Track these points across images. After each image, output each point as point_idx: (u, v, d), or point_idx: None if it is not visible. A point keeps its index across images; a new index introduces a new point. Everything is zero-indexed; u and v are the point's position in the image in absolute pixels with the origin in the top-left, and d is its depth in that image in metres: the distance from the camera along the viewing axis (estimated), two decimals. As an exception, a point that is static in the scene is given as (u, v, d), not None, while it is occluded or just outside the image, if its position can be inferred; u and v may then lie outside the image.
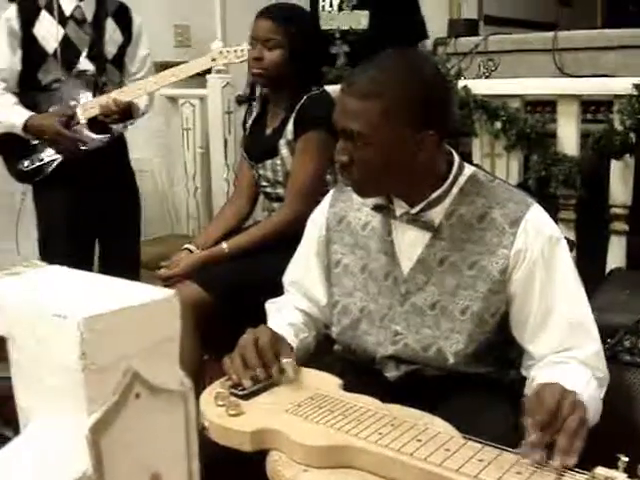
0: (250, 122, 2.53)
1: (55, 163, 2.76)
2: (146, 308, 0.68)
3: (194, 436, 0.77)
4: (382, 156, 1.46)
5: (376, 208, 1.60)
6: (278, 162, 2.37)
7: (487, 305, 1.50)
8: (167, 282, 2.33)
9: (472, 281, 1.50)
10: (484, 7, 5.04)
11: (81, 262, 2.86)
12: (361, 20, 3.41)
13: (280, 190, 2.41)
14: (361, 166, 1.48)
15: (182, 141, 3.84)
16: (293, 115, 2.33)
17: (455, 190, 1.53)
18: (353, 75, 1.50)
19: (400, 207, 1.56)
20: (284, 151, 2.35)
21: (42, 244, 2.89)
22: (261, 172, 2.44)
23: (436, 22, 4.04)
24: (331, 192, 1.75)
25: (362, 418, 1.30)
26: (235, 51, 2.58)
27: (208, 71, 3.27)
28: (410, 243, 1.57)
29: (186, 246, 2.44)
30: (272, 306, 1.81)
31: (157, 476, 0.72)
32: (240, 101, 3.65)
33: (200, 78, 3.23)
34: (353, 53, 3.36)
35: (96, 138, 2.76)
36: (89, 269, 2.94)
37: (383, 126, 1.43)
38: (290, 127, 2.33)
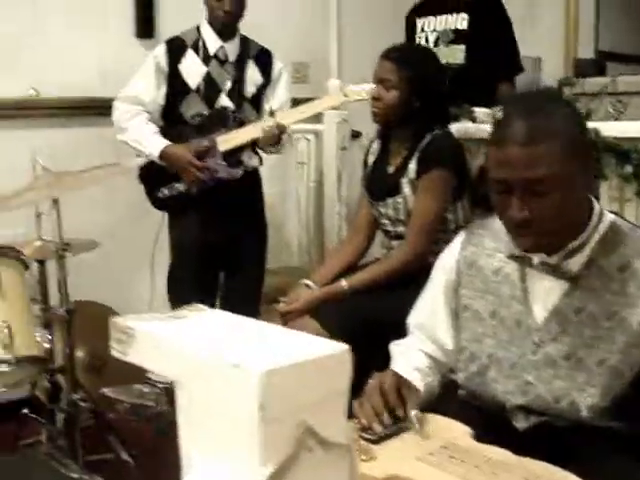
0: (371, 159, 2.55)
1: (188, 195, 2.88)
2: (320, 362, 0.69)
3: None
4: (566, 200, 1.40)
5: (512, 257, 1.56)
6: (400, 200, 2.38)
7: (625, 358, 1.45)
8: (285, 317, 2.36)
9: (610, 333, 1.45)
10: (600, 44, 4.90)
11: (206, 291, 2.98)
12: (458, 55, 3.41)
13: (400, 228, 2.41)
14: (545, 217, 1.41)
15: (296, 175, 3.90)
16: (417, 154, 2.33)
17: (595, 238, 1.48)
18: (508, 126, 1.42)
19: (537, 255, 1.52)
20: (406, 189, 2.35)
21: (171, 270, 3.01)
22: (382, 210, 2.45)
23: (551, 60, 3.98)
24: (461, 235, 1.73)
25: (497, 471, 1.27)
26: (368, 89, 2.64)
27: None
28: (546, 292, 1.53)
29: (304, 281, 2.46)
30: (397, 348, 1.79)
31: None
32: (355, 136, 3.72)
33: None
34: (450, 88, 3.36)
35: (230, 171, 2.88)
36: (212, 299, 3.03)
37: (567, 164, 1.38)
38: (413, 165, 2.33)
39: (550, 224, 1.42)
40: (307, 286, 2.43)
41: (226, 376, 0.70)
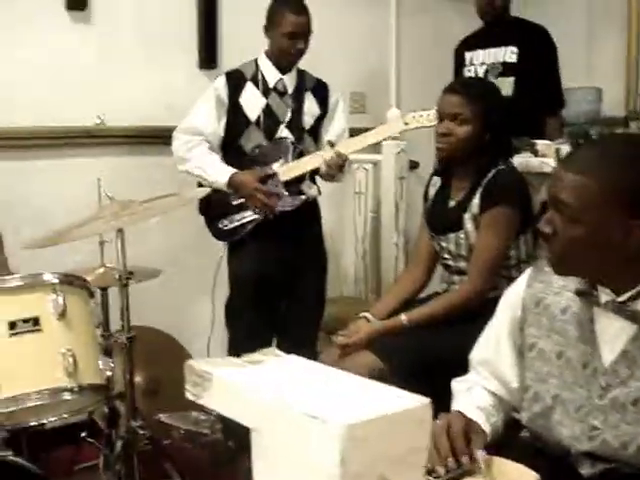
0: (432, 192, 2.54)
1: (251, 226, 2.92)
2: (402, 416, 0.68)
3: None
4: (587, 236, 1.42)
5: (579, 293, 1.54)
6: (462, 236, 2.36)
7: (697, 405, 1.41)
8: (344, 350, 2.35)
9: (681, 379, 1.41)
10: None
11: (264, 322, 3.00)
12: (506, 87, 3.43)
13: (462, 264, 2.39)
14: (564, 241, 1.45)
15: (354, 204, 3.91)
16: (480, 189, 2.31)
17: (666, 282, 1.45)
18: (577, 150, 1.52)
19: (605, 294, 1.50)
20: (469, 225, 2.33)
21: (229, 300, 3.04)
22: (443, 244, 2.43)
23: (612, 91, 3.92)
24: (528, 272, 1.71)
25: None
26: (428, 115, 2.65)
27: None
28: (614, 333, 1.49)
29: (363, 314, 2.45)
30: (459, 385, 1.77)
31: None
32: (413, 167, 3.73)
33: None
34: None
35: (292, 200, 2.92)
36: (271, 329, 3.05)
37: (595, 206, 1.40)
38: (476, 201, 2.31)
39: (569, 250, 1.45)
40: (366, 319, 2.42)
41: (304, 427, 0.70)
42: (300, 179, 2.96)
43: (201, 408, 3.40)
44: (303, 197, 2.96)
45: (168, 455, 2.55)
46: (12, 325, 1.89)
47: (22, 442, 2.29)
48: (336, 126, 3.09)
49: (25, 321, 1.90)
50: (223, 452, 3.11)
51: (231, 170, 2.88)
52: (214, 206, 2.93)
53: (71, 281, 2.01)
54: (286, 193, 2.92)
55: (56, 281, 1.95)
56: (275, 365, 0.85)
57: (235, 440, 3.15)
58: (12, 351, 1.90)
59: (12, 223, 2.87)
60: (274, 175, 2.90)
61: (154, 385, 3.12)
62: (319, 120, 3.06)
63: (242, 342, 3.02)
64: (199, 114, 2.97)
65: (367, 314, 2.44)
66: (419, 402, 0.71)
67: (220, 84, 2.97)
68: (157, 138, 3.37)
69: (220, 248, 3.09)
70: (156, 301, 3.15)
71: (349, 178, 3.96)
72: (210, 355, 3.19)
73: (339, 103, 3.13)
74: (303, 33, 2.92)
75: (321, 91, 3.08)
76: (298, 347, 2.96)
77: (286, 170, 2.92)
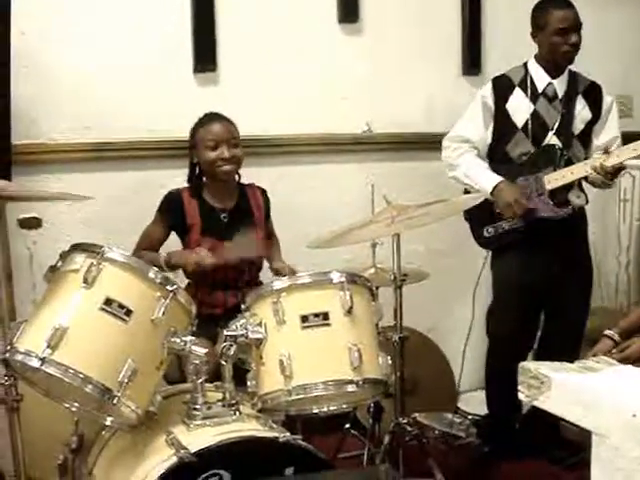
0: None
1: (513, 234, 2.92)
2: None
3: None
4: None
5: None
6: None
7: None
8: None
9: None
10: None
11: (525, 330, 2.98)
12: None
13: None
14: None
15: (618, 212, 3.76)
16: None
17: None
18: None
19: None
20: None
21: (492, 307, 3.06)
22: None
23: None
24: None
25: None
26: None
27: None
28: None
29: (607, 332, 2.33)
30: None
31: None
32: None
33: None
34: None
35: (557, 210, 2.88)
36: (531, 338, 3.02)
37: None
38: None
39: None
40: (609, 338, 2.31)
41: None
42: (568, 188, 2.89)
43: (455, 411, 3.45)
44: (569, 208, 2.89)
45: (431, 453, 2.61)
46: (304, 318, 2.02)
47: (297, 427, 2.44)
48: (609, 132, 2.99)
49: (316, 315, 2.03)
50: (479, 457, 3.13)
51: (498, 178, 2.88)
52: (480, 212, 2.95)
53: (356, 280, 2.13)
54: (551, 203, 2.88)
55: (344, 279, 2.07)
56: (614, 373, 0.87)
57: (491, 445, 3.16)
58: (304, 343, 2.03)
59: (299, 224, 3.13)
60: (540, 185, 2.87)
61: (411, 385, 3.20)
62: (590, 125, 2.97)
63: (502, 348, 3.02)
64: (467, 123, 3.01)
65: (610, 332, 2.32)
66: None
67: (487, 91, 2.99)
68: (419, 144, 3.47)
69: (482, 255, 3.10)
70: (417, 303, 3.24)
71: (614, 185, 3.82)
72: (465, 359, 3.22)
73: (613, 107, 3.02)
74: (574, 26, 2.84)
75: (594, 94, 2.99)
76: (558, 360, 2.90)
77: (553, 179, 2.87)
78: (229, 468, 1.84)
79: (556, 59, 2.91)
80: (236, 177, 2.76)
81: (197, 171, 2.76)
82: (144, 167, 3.15)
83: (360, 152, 3.47)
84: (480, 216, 2.98)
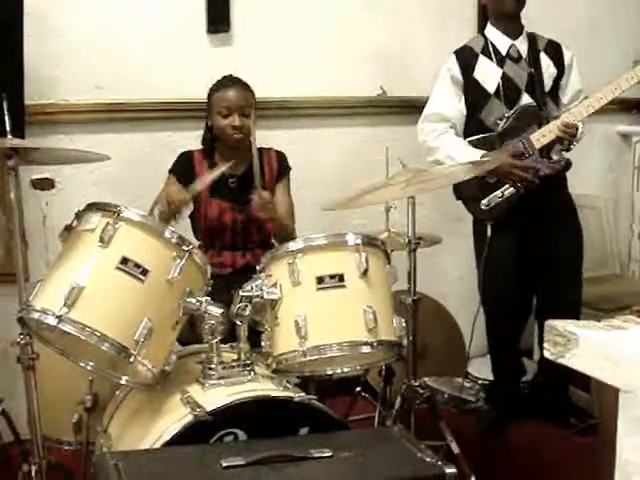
0: None
1: (514, 199, 2.86)
2: None
3: None
4: None
5: None
6: None
7: None
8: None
9: None
10: None
11: (521, 303, 3.00)
12: None
13: None
14: None
15: (632, 180, 3.73)
16: None
17: None
18: None
19: None
20: None
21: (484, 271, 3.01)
22: None
23: None
24: None
25: None
26: None
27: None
28: None
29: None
30: None
31: None
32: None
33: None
34: None
35: (552, 165, 2.86)
36: (528, 310, 3.03)
37: None
38: None
39: None
40: None
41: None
42: (549, 146, 2.86)
43: (465, 375, 3.46)
44: (563, 161, 2.87)
45: (443, 415, 2.62)
46: (320, 280, 2.02)
47: (310, 388, 2.44)
48: (572, 87, 2.98)
49: (331, 277, 2.02)
50: (488, 421, 3.15)
51: (480, 152, 2.83)
52: (470, 189, 2.90)
53: (372, 242, 2.12)
54: (545, 160, 2.85)
55: (359, 242, 2.06)
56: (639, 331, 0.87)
57: (498, 410, 3.18)
58: (319, 304, 2.02)
59: (312, 187, 3.14)
60: (529, 146, 2.83)
61: (422, 349, 3.21)
62: (557, 81, 2.95)
63: (501, 312, 3.06)
64: (439, 98, 2.96)
65: None
66: None
67: (452, 63, 2.94)
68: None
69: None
70: (425, 267, 3.23)
71: (627, 151, 3.79)
72: (476, 325, 3.21)
73: (573, 61, 2.99)
74: None
75: (554, 50, 2.96)
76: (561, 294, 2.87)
77: (540, 136, 2.82)
78: (244, 427, 1.85)
79: (497, 17, 2.92)
80: (246, 144, 2.74)
81: (211, 134, 2.74)
82: (156, 128, 3.14)
83: (374, 115, 3.45)
84: (470, 191, 2.92)
